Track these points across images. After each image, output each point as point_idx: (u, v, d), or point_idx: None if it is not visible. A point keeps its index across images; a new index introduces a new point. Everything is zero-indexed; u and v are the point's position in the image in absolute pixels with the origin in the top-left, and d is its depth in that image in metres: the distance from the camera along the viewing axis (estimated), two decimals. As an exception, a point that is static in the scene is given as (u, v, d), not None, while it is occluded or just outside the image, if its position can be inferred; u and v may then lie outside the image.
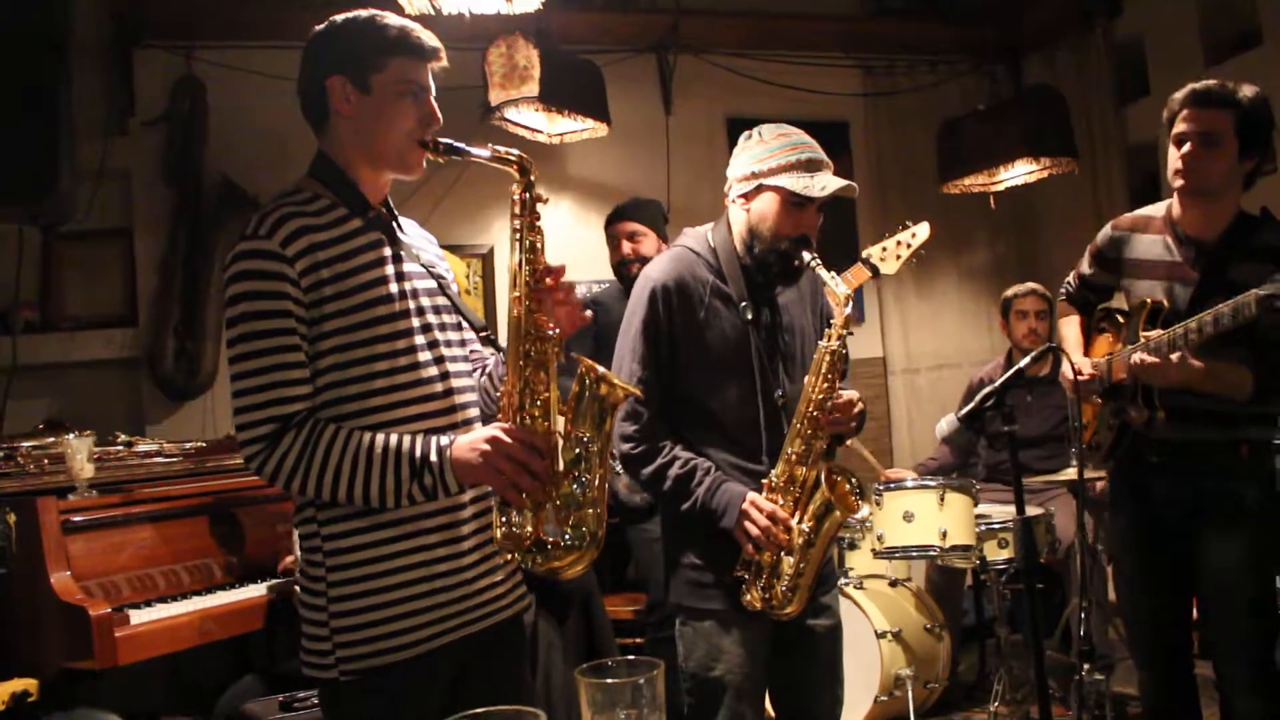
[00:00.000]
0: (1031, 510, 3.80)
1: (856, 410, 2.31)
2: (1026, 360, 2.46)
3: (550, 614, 3.20)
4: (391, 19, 1.85)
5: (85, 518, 2.79)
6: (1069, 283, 2.94)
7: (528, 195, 1.79)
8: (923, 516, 3.59)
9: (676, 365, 2.33)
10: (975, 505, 3.70)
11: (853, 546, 3.94)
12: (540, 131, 4.59)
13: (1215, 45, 4.70)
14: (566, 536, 1.75)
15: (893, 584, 3.92)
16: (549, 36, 4.33)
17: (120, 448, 3.44)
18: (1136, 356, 2.45)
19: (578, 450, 1.76)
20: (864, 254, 3.68)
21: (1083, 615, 3.39)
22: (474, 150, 1.81)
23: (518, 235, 1.79)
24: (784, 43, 5.43)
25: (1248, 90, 2.43)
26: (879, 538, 3.69)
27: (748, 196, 2.35)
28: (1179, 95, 2.49)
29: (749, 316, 2.34)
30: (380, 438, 1.73)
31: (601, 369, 1.78)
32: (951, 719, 3.96)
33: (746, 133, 2.39)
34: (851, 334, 2.29)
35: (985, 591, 4.29)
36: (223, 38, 4.59)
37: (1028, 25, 5.57)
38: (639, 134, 5.25)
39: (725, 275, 2.36)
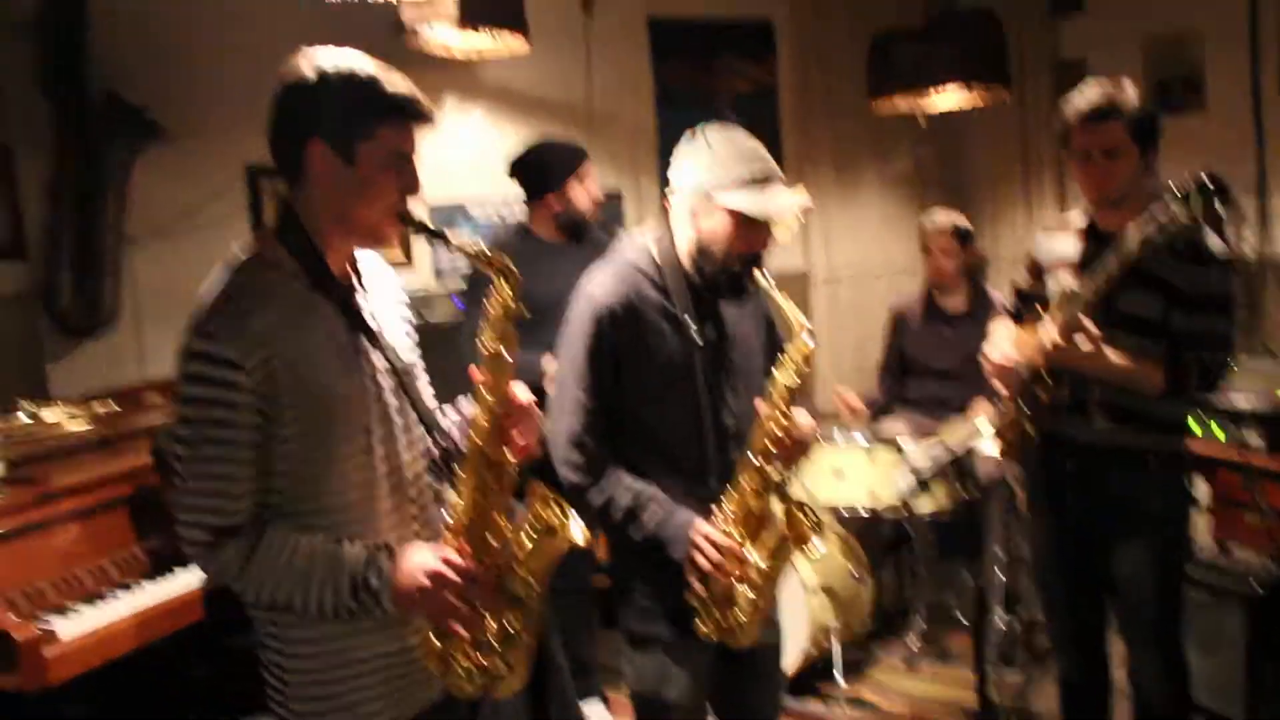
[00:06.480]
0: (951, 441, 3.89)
1: (808, 440, 2.30)
2: (973, 440, 2.43)
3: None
4: (387, 78, 1.69)
5: (2, 529, 2.64)
6: (1008, 301, 2.98)
7: (508, 302, 1.74)
8: (852, 474, 3.67)
9: (621, 388, 2.27)
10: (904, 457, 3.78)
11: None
12: (453, 48, 4.30)
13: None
14: (496, 667, 1.80)
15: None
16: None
17: (26, 420, 3.26)
18: (1047, 338, 2.50)
19: (518, 587, 1.79)
20: None
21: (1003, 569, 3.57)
22: (453, 240, 1.73)
23: (493, 353, 1.73)
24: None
25: (1129, 93, 2.52)
26: (809, 493, 3.76)
27: (695, 212, 2.25)
28: (1068, 113, 2.56)
29: (696, 339, 2.28)
30: (322, 549, 1.70)
31: (549, 514, 1.78)
32: (869, 650, 4.14)
33: (690, 132, 2.28)
34: (810, 369, 2.25)
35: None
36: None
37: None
38: (556, 36, 4.94)
39: (670, 292, 2.29)
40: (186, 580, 2.86)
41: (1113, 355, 2.47)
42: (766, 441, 2.21)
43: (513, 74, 4.93)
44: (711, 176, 2.20)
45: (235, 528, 1.67)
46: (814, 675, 3.82)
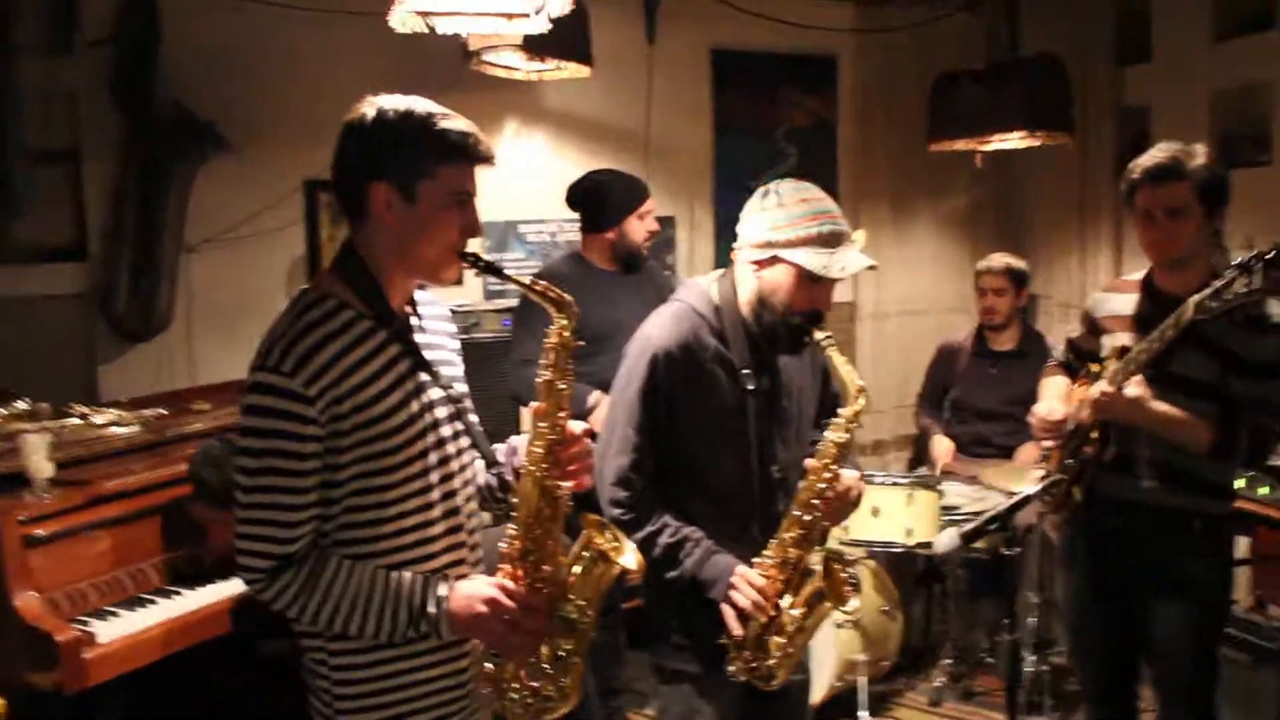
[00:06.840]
0: (991, 496, 3.87)
1: (853, 498, 2.29)
2: (1021, 496, 2.41)
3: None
4: (448, 120, 1.73)
5: (48, 530, 2.68)
6: (1060, 350, 2.97)
7: (566, 337, 1.76)
8: (889, 512, 3.66)
9: (673, 431, 2.29)
10: (941, 498, 3.76)
11: (820, 537, 4.00)
12: (517, 70, 4.34)
13: (1226, 21, 4.56)
14: (548, 690, 1.84)
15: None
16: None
17: (76, 420, 3.32)
18: (1096, 389, 2.50)
19: (572, 613, 1.81)
20: None
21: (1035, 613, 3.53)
22: (514, 277, 1.77)
23: (548, 384, 1.75)
24: (773, -31, 5.15)
25: (1199, 157, 2.49)
26: (845, 528, 3.73)
27: (761, 264, 2.25)
28: (1134, 173, 2.54)
29: (749, 386, 2.29)
30: (380, 578, 1.74)
31: (602, 541, 1.79)
32: (895, 686, 4.12)
33: (763, 189, 2.29)
34: (860, 427, 2.25)
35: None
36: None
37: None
38: (619, 62, 4.96)
39: (727, 339, 2.30)
40: (224, 589, 2.89)
41: (1160, 406, 2.45)
42: (811, 496, 2.22)
43: (574, 98, 4.96)
44: (779, 232, 2.21)
45: (294, 556, 1.71)
46: (838, 709, 3.80)
